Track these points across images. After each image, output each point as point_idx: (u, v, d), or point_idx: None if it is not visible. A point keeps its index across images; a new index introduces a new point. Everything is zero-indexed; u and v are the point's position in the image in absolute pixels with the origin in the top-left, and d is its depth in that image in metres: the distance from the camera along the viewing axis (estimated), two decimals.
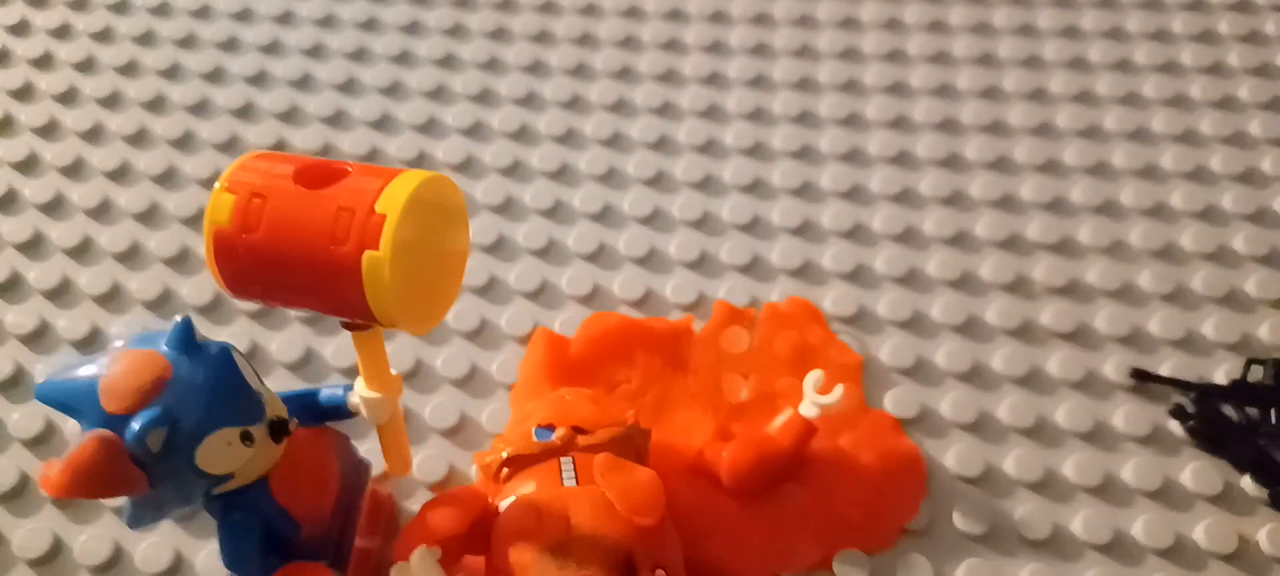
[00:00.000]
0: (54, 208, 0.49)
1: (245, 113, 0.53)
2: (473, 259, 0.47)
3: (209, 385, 0.30)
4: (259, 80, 0.54)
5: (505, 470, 0.37)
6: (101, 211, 0.49)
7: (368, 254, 0.28)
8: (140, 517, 0.31)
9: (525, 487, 0.36)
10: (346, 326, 0.32)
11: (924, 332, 0.44)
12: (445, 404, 0.43)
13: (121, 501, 0.33)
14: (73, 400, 0.29)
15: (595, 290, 0.46)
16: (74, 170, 0.51)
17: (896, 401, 0.42)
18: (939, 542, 0.39)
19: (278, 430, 0.31)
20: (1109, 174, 0.49)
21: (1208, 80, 0.52)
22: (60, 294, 0.46)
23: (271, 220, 0.29)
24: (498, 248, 0.48)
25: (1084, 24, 0.55)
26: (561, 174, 0.50)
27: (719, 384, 0.43)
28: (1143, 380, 0.42)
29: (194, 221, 0.49)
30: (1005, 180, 0.49)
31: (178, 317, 0.30)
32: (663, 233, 0.48)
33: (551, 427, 0.38)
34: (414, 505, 0.40)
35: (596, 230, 0.48)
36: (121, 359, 0.30)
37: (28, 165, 0.51)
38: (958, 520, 0.39)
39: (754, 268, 0.47)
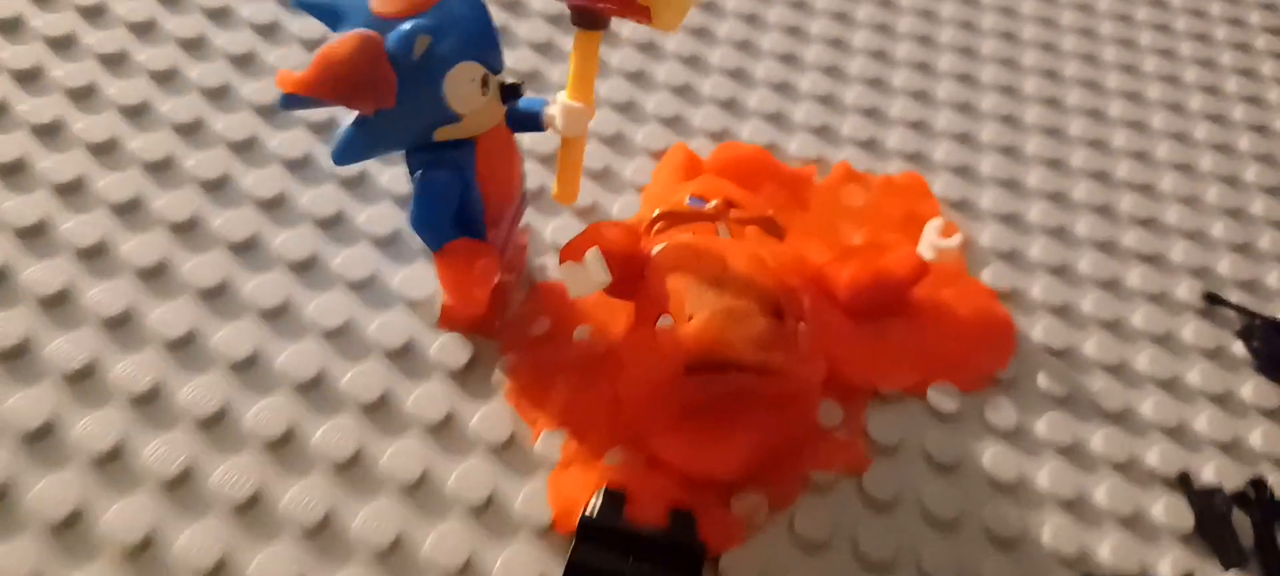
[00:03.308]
0: None
1: None
2: (614, 81, 0.50)
3: (470, 18, 0.32)
4: None
5: (659, 225, 0.40)
6: None
7: None
8: (354, 147, 0.33)
9: (681, 237, 0.39)
10: (578, 20, 0.34)
11: (1021, 230, 0.48)
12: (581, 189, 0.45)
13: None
14: (337, 1, 0.31)
15: (725, 131, 0.49)
16: None
17: (993, 275, 0.46)
18: (1024, 395, 0.42)
19: (510, 92, 0.34)
20: (1190, 143, 0.54)
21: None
22: None
23: None
24: (638, 77, 0.51)
25: (1177, 24, 0.61)
26: (701, 34, 0.54)
27: (835, 227, 0.46)
28: (1214, 303, 0.46)
29: None
30: (1097, 127, 0.53)
31: None
32: (790, 101, 0.52)
33: (703, 200, 0.41)
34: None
35: (730, 84, 0.52)
36: None
37: None
38: (1042, 380, 0.43)
39: (872, 147, 0.50)
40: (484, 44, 0.32)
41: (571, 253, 0.36)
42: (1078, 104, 0.55)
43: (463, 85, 0.32)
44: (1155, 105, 0.55)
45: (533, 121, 0.37)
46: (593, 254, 0.35)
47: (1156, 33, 0.60)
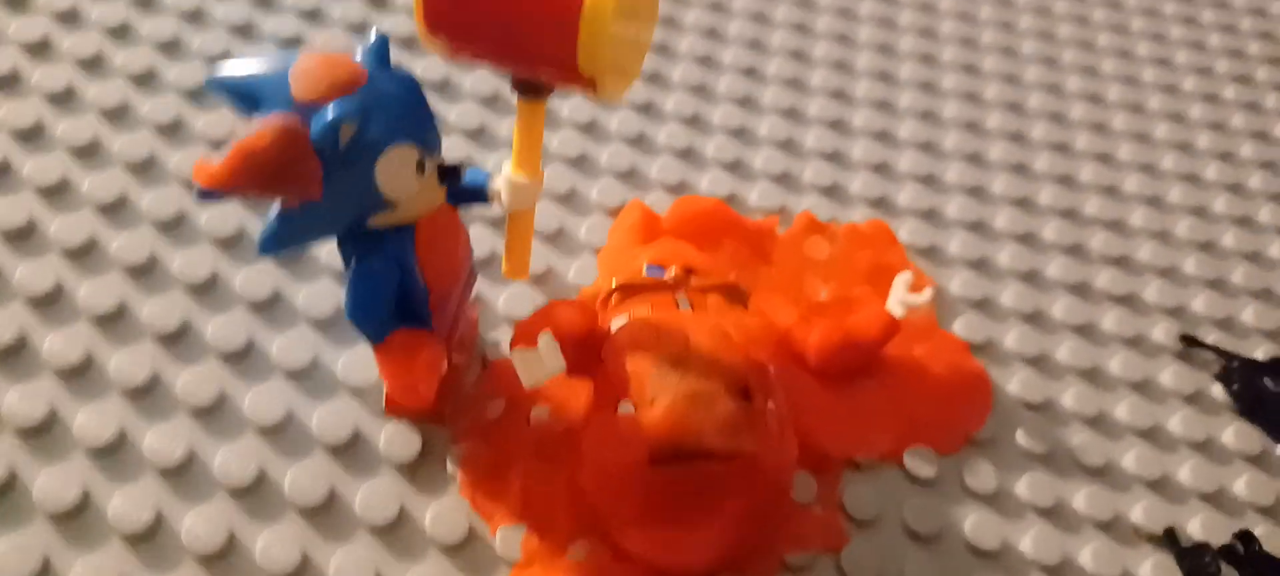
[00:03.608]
0: None
1: None
2: (566, 133, 0.48)
3: (401, 98, 0.30)
4: None
5: (616, 297, 0.38)
6: None
7: None
8: (282, 237, 0.30)
9: (640, 311, 0.37)
10: (520, 89, 0.32)
11: (991, 276, 0.47)
12: (534, 255, 0.43)
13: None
14: (255, 87, 0.29)
15: (683, 183, 0.47)
16: None
17: (965, 327, 0.44)
18: (1003, 454, 0.40)
19: (448, 174, 0.31)
20: (1158, 174, 0.53)
21: (1248, 115, 0.57)
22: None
23: None
24: (591, 129, 0.49)
25: (1139, 50, 0.59)
26: (654, 80, 0.52)
27: (801, 282, 0.44)
28: (1191, 346, 0.45)
29: None
30: (1065, 161, 0.52)
31: (375, 32, 0.30)
32: (749, 147, 0.50)
33: (662, 267, 0.39)
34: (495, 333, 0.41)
35: (686, 133, 0.50)
36: (315, 55, 0.29)
37: None
38: (1020, 437, 0.41)
39: (835, 193, 0.48)
40: (417, 124, 0.30)
41: (523, 337, 0.34)
42: (1043, 138, 0.53)
43: (396, 170, 0.30)
44: (1121, 136, 0.54)
45: (477, 195, 0.34)
46: (545, 339, 0.33)
47: (1119, 60, 0.59)
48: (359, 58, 0.30)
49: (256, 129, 0.28)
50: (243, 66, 0.30)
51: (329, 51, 0.30)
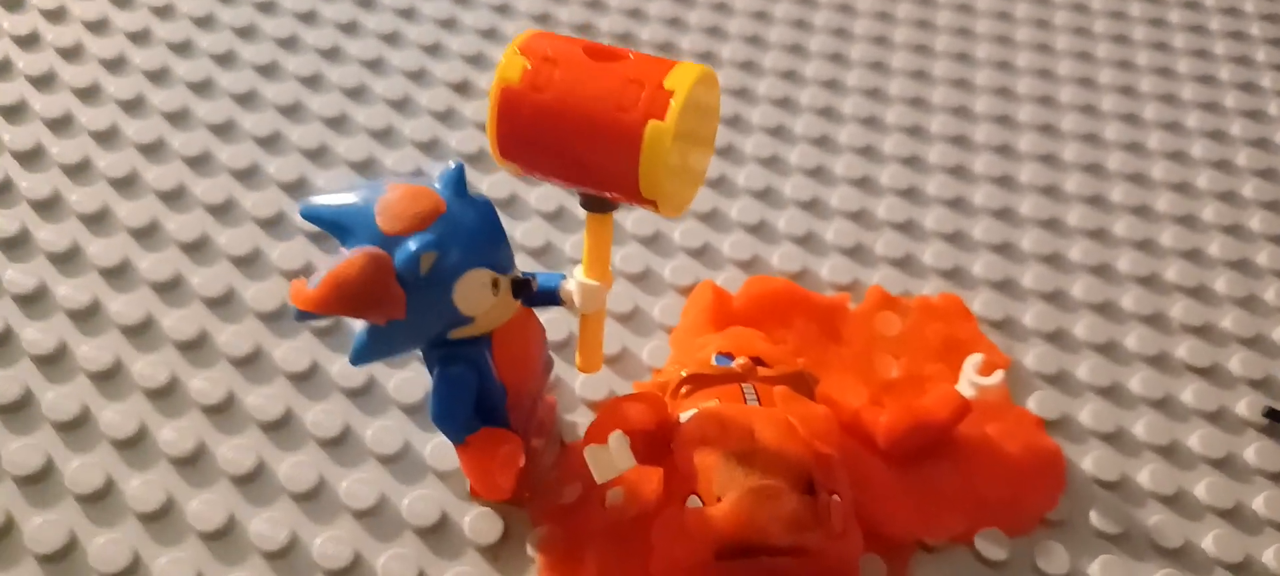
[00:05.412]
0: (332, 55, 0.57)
1: None
2: (641, 211, 0.50)
3: (476, 225, 0.32)
4: None
5: (685, 388, 0.39)
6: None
7: (652, 123, 0.30)
8: (371, 351, 0.33)
9: (707, 404, 0.38)
10: (588, 204, 0.34)
11: (1067, 348, 0.46)
12: (608, 336, 0.45)
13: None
14: (344, 218, 0.32)
15: (755, 258, 0.49)
16: (349, 28, 0.58)
17: (1039, 404, 0.44)
18: (1076, 536, 0.40)
19: (520, 287, 0.33)
20: (1245, 235, 0.52)
21: None
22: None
23: (562, 84, 0.31)
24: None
25: (1226, 102, 0.58)
26: (727, 153, 0.53)
27: (871, 360, 0.45)
28: (1276, 420, 0.44)
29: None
30: (1145, 226, 0.52)
31: (451, 162, 0.33)
32: (821, 220, 0.51)
33: (730, 357, 0.40)
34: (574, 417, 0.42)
35: (758, 207, 0.51)
36: (398, 188, 0.32)
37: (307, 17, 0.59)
38: (1094, 519, 0.41)
39: (907, 264, 0.49)
40: (492, 248, 0.32)
41: (595, 435, 0.36)
42: (1123, 201, 0.53)
43: (473, 291, 0.32)
44: (1206, 196, 0.53)
45: (551, 298, 0.36)
46: (616, 439, 0.35)
47: (1203, 113, 0.57)
48: (438, 186, 0.32)
49: (346, 258, 0.31)
50: (333, 198, 0.32)
51: (411, 184, 0.32)
